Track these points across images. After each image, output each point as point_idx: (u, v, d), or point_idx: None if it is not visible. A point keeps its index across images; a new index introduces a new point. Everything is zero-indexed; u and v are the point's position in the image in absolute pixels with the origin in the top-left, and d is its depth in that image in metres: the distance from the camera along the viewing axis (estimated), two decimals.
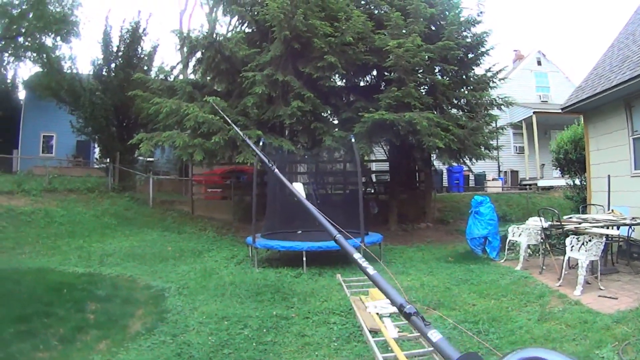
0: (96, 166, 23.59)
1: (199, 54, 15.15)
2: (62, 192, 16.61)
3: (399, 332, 5.74)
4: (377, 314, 6.34)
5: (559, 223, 8.35)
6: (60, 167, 23.23)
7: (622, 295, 6.79)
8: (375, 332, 5.70)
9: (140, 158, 21.49)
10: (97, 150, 23.95)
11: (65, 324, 6.01)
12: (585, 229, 7.79)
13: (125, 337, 5.75)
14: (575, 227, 8.02)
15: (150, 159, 24.07)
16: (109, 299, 7.14)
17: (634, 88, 9.18)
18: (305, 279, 8.89)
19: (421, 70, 13.81)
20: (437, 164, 17.26)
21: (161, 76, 17.21)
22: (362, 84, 16.21)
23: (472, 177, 22.51)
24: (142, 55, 20.93)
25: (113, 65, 19.97)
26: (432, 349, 5.04)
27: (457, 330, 5.73)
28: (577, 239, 7.55)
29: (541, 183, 21.66)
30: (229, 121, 5.59)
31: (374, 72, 15.68)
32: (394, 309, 6.13)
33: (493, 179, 23.30)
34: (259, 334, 5.86)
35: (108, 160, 19.76)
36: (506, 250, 10.06)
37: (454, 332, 5.68)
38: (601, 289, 7.13)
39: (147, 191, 18.01)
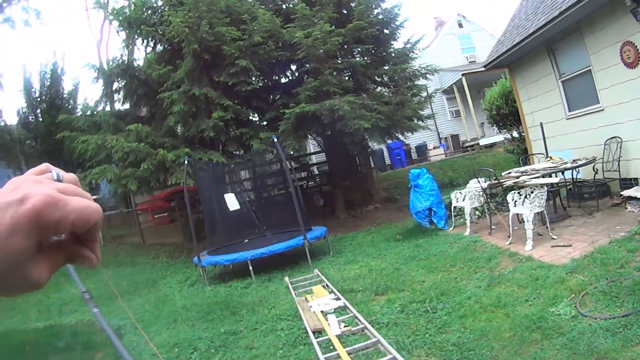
0: None
1: (116, 84, 14.71)
2: None
3: (344, 326, 5.38)
4: (322, 311, 5.96)
5: (497, 181, 8.13)
6: None
7: (575, 241, 6.50)
8: (319, 332, 5.31)
9: None
10: None
11: None
12: (525, 182, 7.58)
13: None
14: (514, 183, 7.81)
15: (95, 197, 23.26)
16: (70, 348, 7.33)
17: (552, 32, 9.04)
18: (255, 287, 8.61)
19: (339, 56, 13.55)
20: (373, 144, 16.92)
21: (88, 112, 16.54)
22: (283, 80, 15.83)
23: (413, 149, 22.48)
24: (64, 96, 20.83)
25: (38, 110, 19.85)
26: (375, 339, 4.68)
27: (404, 313, 5.37)
28: (519, 193, 7.33)
29: (483, 142, 21.59)
30: None
31: (293, 67, 15.25)
32: (338, 304, 5.73)
33: (434, 147, 23.17)
34: (208, 355, 5.70)
35: None
36: (453, 217, 9.85)
37: (401, 316, 5.31)
38: (554, 239, 6.87)
39: None
